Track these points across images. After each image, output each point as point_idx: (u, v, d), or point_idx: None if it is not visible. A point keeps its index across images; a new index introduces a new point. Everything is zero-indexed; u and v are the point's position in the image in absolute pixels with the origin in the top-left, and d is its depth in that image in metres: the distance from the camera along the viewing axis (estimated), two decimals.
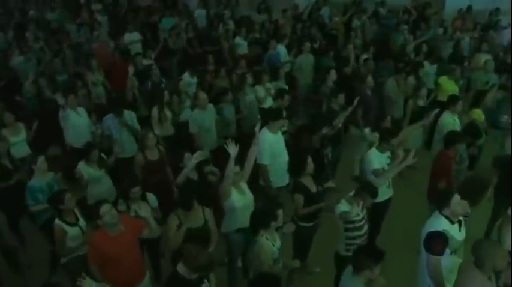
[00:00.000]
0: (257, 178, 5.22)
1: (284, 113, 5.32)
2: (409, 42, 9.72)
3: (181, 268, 3.35)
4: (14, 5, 15.42)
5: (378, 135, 5.11)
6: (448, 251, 3.62)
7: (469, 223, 4.05)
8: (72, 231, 4.18)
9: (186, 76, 7.62)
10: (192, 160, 4.70)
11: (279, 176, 5.14)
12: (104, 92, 7.85)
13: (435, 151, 5.72)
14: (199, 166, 4.86)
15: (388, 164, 4.80)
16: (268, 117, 5.33)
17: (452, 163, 4.94)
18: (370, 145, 5.21)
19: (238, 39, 9.81)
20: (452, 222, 3.66)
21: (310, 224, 4.53)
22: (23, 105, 7.40)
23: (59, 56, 8.65)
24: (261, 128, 4.95)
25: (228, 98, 6.52)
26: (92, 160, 5.04)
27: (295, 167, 4.53)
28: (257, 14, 12.26)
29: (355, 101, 6.11)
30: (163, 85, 7.43)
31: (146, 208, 4.14)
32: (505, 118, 7.96)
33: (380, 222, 4.97)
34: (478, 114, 6.26)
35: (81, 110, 6.42)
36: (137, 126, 6.28)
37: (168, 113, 6.51)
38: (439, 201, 3.74)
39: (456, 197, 3.63)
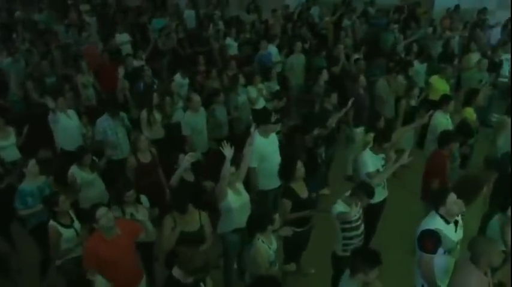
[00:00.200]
0: None
1: (274, 116, 5.20)
2: (399, 42, 9.76)
3: (176, 272, 3.32)
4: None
5: (372, 135, 5.11)
6: (441, 250, 3.63)
7: (462, 221, 4.07)
8: (67, 233, 4.16)
9: (177, 77, 7.57)
10: (184, 162, 4.67)
11: (270, 179, 5.06)
12: (94, 94, 7.76)
13: (428, 151, 5.76)
14: (194, 167, 4.82)
15: (383, 165, 4.80)
16: (258, 119, 5.30)
17: (447, 163, 4.97)
18: (365, 145, 5.21)
19: (228, 40, 9.77)
20: (447, 222, 3.66)
21: (300, 230, 4.46)
22: (7, 109, 7.26)
23: (47, 57, 8.54)
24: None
25: (220, 99, 6.49)
26: (85, 164, 4.98)
27: (285, 172, 4.51)
28: (247, 14, 12.24)
29: (350, 102, 6.11)
30: (155, 86, 7.38)
31: (143, 212, 4.10)
32: (495, 117, 8.09)
33: (375, 223, 4.98)
34: (470, 113, 6.30)
35: (71, 112, 6.35)
36: (130, 127, 6.24)
37: (157, 116, 6.40)
38: (434, 200, 3.75)
39: (452, 196, 3.64)
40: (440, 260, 3.66)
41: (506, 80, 8.61)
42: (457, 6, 11.80)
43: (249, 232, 3.82)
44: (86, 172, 4.99)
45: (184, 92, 7.27)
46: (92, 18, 11.63)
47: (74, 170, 4.96)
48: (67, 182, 4.97)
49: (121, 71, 7.70)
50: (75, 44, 9.76)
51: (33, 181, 4.73)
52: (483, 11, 11.56)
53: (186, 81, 7.57)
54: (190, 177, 4.82)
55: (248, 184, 4.69)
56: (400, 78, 7.51)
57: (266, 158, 5.07)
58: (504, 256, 3.84)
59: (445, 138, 4.99)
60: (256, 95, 7.08)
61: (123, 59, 8.21)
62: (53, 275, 4.72)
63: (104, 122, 5.97)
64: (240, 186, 4.48)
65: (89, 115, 6.73)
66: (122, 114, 6.24)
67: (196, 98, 6.13)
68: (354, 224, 4.08)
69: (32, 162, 4.77)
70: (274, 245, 3.85)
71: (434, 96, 7.00)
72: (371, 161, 4.77)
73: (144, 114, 6.32)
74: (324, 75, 7.28)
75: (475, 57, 8.56)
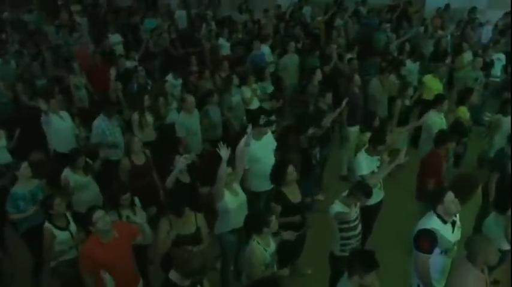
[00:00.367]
0: None
1: (264, 118, 5.06)
2: (392, 41, 9.80)
3: (173, 275, 3.29)
4: None
5: (368, 135, 5.10)
6: (438, 250, 3.63)
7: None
8: (62, 235, 4.12)
9: (169, 78, 7.52)
10: (179, 163, 4.64)
11: (263, 181, 4.94)
12: (86, 95, 7.69)
13: (422, 150, 5.78)
14: (190, 169, 4.79)
15: (378, 167, 4.79)
16: (253, 120, 5.26)
17: (443, 162, 4.98)
18: (362, 146, 5.19)
19: (221, 40, 9.74)
20: (444, 222, 3.66)
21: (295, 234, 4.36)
22: None
23: (38, 59, 8.44)
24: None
25: (214, 99, 6.45)
26: (78, 167, 4.92)
27: (275, 176, 4.47)
28: (239, 14, 12.21)
29: (344, 102, 6.11)
30: (149, 87, 7.32)
31: (141, 214, 4.07)
32: (487, 115, 8.15)
33: (372, 224, 4.97)
34: (463, 112, 6.33)
35: (64, 114, 6.27)
36: (123, 127, 6.21)
37: (148, 118, 6.31)
38: (432, 199, 3.75)
39: (450, 195, 3.64)
40: (436, 261, 3.65)
41: (497, 79, 8.68)
42: (447, 6, 11.89)
43: (246, 232, 3.82)
44: (79, 175, 4.93)
45: (177, 92, 7.22)
46: (83, 18, 11.53)
47: (67, 173, 4.90)
48: (60, 185, 4.91)
49: (113, 72, 7.65)
50: (66, 45, 9.67)
51: (25, 185, 4.66)
52: (473, 10, 11.65)
53: (179, 82, 7.52)
54: (186, 178, 4.79)
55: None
56: (392, 77, 7.53)
57: (259, 161, 5.01)
58: (500, 255, 3.86)
59: (442, 138, 5.00)
60: (250, 95, 7.06)
61: (115, 59, 8.14)
62: (47, 278, 4.66)
63: (102, 123, 5.91)
64: (237, 186, 4.47)
65: (81, 117, 6.65)
66: (116, 116, 6.17)
67: (191, 99, 6.09)
68: (351, 224, 4.07)
69: (24, 165, 4.70)
70: (272, 248, 3.82)
71: (428, 96, 7.03)
72: (365, 164, 4.75)
73: (135, 116, 6.24)
74: (318, 75, 7.28)
75: (467, 56, 8.62)
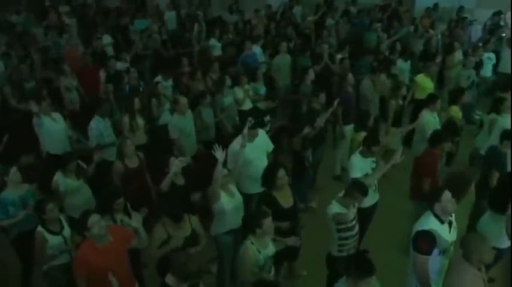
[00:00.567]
0: None
1: (252, 121, 4.96)
2: (383, 41, 9.83)
3: (170, 279, 3.26)
4: None
5: (363, 135, 5.10)
6: (436, 251, 3.63)
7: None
8: (54, 240, 4.06)
9: (159, 79, 7.43)
10: (173, 166, 4.59)
11: (254, 183, 4.84)
12: (77, 97, 7.60)
13: (416, 150, 5.79)
14: (184, 171, 4.75)
15: (373, 168, 4.78)
16: (243, 121, 5.21)
17: (438, 162, 4.99)
18: (357, 146, 5.18)
19: (212, 41, 9.67)
20: (442, 222, 3.66)
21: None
22: None
23: (26, 61, 8.32)
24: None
25: (206, 101, 6.40)
26: (70, 171, 4.83)
27: (265, 180, 4.38)
28: (229, 14, 12.16)
29: (336, 102, 6.10)
30: (141, 88, 7.24)
31: (137, 218, 4.03)
32: (478, 114, 8.22)
33: (367, 226, 4.97)
34: (456, 112, 6.36)
35: (56, 115, 6.15)
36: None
37: (139, 121, 6.20)
38: (429, 198, 3.75)
39: (447, 194, 3.65)
40: (434, 261, 3.65)
41: (488, 78, 8.76)
42: (435, 5, 11.97)
43: (242, 232, 3.83)
44: (70, 179, 4.84)
45: (168, 93, 7.15)
46: (72, 19, 11.39)
47: (58, 177, 4.82)
48: (51, 189, 4.84)
49: (102, 74, 7.56)
50: (55, 46, 9.54)
51: (15, 190, 4.57)
52: (461, 9, 11.74)
53: (169, 83, 7.43)
54: (180, 180, 4.74)
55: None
56: (383, 77, 7.54)
57: (251, 163, 4.94)
58: (495, 253, 3.87)
59: (437, 137, 5.01)
60: (242, 96, 7.01)
61: (105, 61, 8.05)
62: (39, 283, 4.55)
63: (99, 124, 5.83)
64: (233, 187, 4.46)
65: (71, 119, 6.56)
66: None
67: (183, 100, 6.02)
68: (349, 225, 4.06)
69: (13, 170, 4.60)
70: (270, 251, 3.79)
71: (421, 95, 7.06)
72: (359, 166, 4.74)
73: (126, 119, 6.12)
74: (311, 75, 7.26)
75: (458, 55, 8.68)
